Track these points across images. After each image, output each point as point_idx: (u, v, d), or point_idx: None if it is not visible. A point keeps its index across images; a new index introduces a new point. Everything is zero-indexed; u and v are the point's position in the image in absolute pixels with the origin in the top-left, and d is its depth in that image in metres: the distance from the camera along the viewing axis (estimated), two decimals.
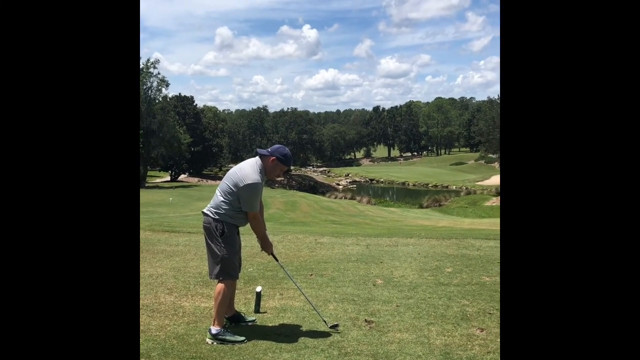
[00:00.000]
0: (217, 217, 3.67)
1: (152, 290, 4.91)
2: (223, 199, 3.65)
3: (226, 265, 3.69)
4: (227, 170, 3.86)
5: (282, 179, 64.40)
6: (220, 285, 3.69)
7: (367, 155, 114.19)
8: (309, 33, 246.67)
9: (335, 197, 44.68)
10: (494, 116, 45.82)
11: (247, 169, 3.62)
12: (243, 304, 4.48)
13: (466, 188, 51.88)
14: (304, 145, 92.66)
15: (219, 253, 3.66)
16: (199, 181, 62.85)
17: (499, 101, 46.25)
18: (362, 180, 72.82)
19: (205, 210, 3.73)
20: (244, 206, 3.64)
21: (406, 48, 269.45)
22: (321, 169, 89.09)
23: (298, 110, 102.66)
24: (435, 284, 5.25)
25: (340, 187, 65.16)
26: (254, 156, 3.79)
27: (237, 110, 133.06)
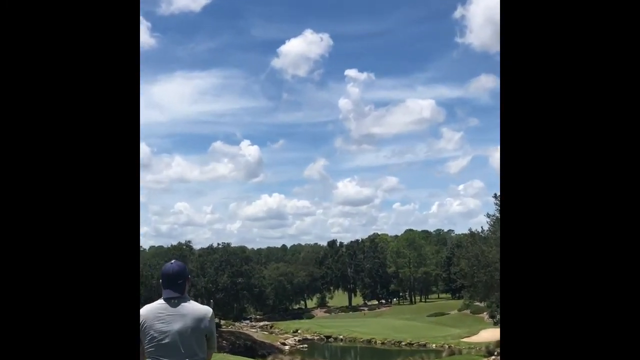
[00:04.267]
0: None
1: None
2: (195, 351, 3.92)
3: None
4: None
5: None
6: None
7: (322, 303, 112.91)
8: (249, 150, 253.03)
9: None
10: (477, 253, 43.54)
11: (193, 304, 4.04)
12: None
13: (449, 347, 51.51)
14: (239, 291, 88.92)
15: None
16: None
17: (482, 234, 46.93)
18: (316, 337, 71.71)
19: None
20: (212, 345, 4.06)
21: (368, 169, 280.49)
22: (261, 323, 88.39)
23: (232, 246, 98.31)
24: None
25: (287, 347, 63.20)
26: (174, 289, 4.08)
27: (152, 247, 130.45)
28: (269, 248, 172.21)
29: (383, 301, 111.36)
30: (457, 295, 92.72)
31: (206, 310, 4.01)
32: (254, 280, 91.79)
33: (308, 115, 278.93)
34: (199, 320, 3.92)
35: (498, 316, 47.33)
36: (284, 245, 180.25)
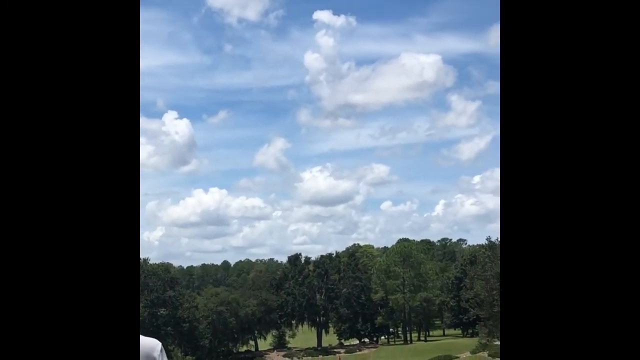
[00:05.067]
0: None
1: None
2: None
3: None
4: None
5: None
6: None
7: (280, 344, 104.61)
8: (176, 126, 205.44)
9: None
10: (499, 272, 46.19)
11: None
12: None
13: None
14: (161, 328, 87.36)
15: None
16: None
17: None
18: None
19: None
20: None
21: (347, 154, 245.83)
22: None
23: (151, 263, 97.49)
24: None
25: None
26: None
27: None
28: (204, 266, 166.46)
29: (366, 340, 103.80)
30: (470, 331, 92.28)
31: (154, 343, 3.78)
32: (183, 312, 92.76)
33: (261, 76, 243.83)
34: (147, 358, 3.71)
35: None
36: (225, 262, 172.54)
